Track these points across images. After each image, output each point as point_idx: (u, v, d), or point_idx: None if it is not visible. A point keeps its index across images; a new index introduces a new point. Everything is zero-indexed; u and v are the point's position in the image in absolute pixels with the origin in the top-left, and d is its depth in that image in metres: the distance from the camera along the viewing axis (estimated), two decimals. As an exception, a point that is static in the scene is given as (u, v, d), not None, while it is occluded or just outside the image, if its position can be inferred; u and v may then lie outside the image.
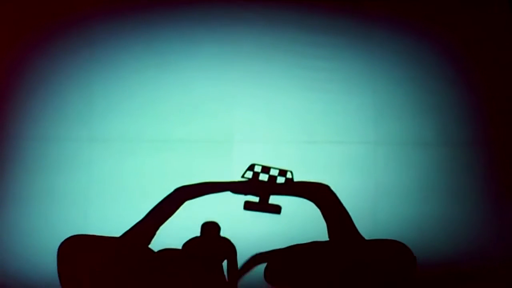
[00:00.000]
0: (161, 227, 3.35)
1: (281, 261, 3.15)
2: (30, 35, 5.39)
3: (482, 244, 5.28)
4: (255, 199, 3.33)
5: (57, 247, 4.89)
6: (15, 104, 5.35)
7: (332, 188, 4.41)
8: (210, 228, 4.37)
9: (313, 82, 5.61)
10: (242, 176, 3.34)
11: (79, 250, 3.29)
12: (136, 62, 5.43)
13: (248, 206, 3.32)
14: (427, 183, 5.48)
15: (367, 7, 5.77)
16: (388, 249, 3.24)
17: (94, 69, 5.41)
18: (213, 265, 4.07)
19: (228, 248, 4.34)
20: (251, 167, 3.31)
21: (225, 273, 3.68)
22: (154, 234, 3.44)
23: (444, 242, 5.30)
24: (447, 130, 5.60)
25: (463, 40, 5.77)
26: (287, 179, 3.34)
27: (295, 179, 3.94)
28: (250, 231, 4.60)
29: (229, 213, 4.48)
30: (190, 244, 4.30)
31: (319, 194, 3.45)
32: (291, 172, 3.38)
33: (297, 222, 5.05)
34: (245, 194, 3.35)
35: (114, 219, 4.03)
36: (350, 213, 4.34)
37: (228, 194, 3.60)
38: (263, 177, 3.29)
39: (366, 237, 4.33)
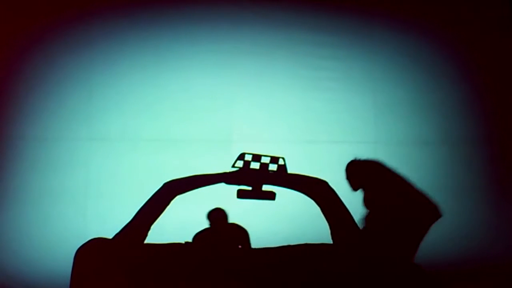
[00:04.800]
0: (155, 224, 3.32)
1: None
2: (28, 35, 5.39)
3: (482, 243, 5.26)
4: (248, 188, 3.29)
5: (56, 246, 4.91)
6: (14, 104, 5.35)
7: (333, 187, 4.39)
8: (218, 217, 4.40)
9: (313, 81, 5.60)
10: (233, 166, 3.30)
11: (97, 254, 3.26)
12: (135, 61, 5.43)
13: (241, 194, 3.27)
14: (427, 182, 5.42)
15: (368, 8, 5.77)
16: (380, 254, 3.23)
17: (93, 69, 5.40)
18: (231, 250, 4.08)
19: (241, 233, 4.35)
20: (241, 156, 3.26)
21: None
22: (147, 232, 3.39)
23: (444, 242, 5.28)
24: (447, 129, 5.59)
25: (464, 40, 5.76)
26: (279, 166, 3.30)
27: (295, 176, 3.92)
28: (249, 230, 4.60)
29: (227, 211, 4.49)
30: (202, 235, 4.30)
31: (317, 189, 3.40)
32: (283, 159, 3.34)
33: (298, 222, 5.05)
34: (238, 184, 3.31)
35: (113, 218, 4.01)
36: (351, 212, 4.32)
37: (221, 190, 3.59)
38: (255, 165, 3.26)
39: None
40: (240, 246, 4.41)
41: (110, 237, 3.69)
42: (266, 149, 4.33)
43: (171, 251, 3.19)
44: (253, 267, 3.04)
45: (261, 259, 3.10)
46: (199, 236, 4.33)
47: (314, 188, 3.35)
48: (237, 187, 3.29)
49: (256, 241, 4.48)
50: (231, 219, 4.54)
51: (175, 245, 3.31)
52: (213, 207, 4.50)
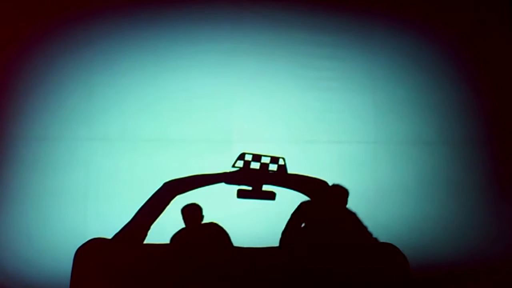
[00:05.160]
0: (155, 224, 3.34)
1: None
2: (28, 35, 5.40)
3: (482, 243, 5.26)
4: (248, 187, 3.31)
5: (56, 246, 4.91)
6: (14, 104, 5.35)
7: (332, 187, 4.40)
8: (192, 216, 4.22)
9: (313, 81, 5.60)
10: (233, 166, 3.31)
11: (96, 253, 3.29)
12: (135, 61, 5.43)
13: (241, 194, 3.30)
14: (427, 182, 5.46)
15: (368, 8, 5.77)
16: (380, 253, 3.24)
17: (93, 69, 5.41)
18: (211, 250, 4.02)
19: (219, 233, 4.26)
20: (241, 156, 3.29)
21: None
22: (146, 232, 3.41)
23: (444, 242, 5.28)
24: (448, 129, 5.58)
25: (464, 39, 5.76)
26: (279, 166, 3.32)
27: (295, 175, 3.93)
28: (248, 231, 4.59)
29: (225, 211, 4.47)
30: (179, 237, 4.22)
31: (316, 189, 3.42)
32: (283, 159, 3.36)
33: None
34: (238, 184, 3.33)
35: (113, 218, 4.02)
36: (350, 212, 4.33)
37: (221, 190, 3.59)
38: (255, 165, 3.28)
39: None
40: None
41: (110, 237, 3.69)
42: (266, 149, 4.35)
43: (171, 251, 3.21)
44: (249, 267, 3.05)
45: (256, 259, 3.11)
46: (177, 236, 4.24)
47: (314, 188, 3.37)
48: (237, 187, 3.31)
49: (257, 241, 4.47)
50: (231, 220, 4.52)
51: (175, 245, 3.33)
52: (188, 203, 4.31)
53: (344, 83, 5.62)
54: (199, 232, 4.31)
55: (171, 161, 5.18)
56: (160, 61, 5.45)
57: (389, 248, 3.38)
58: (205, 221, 4.40)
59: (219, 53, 5.50)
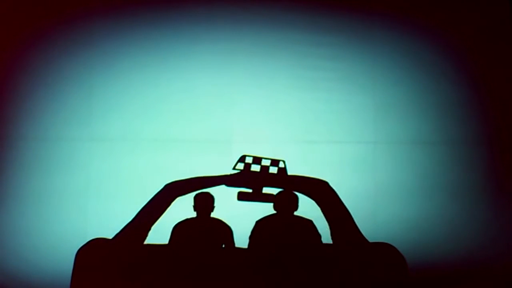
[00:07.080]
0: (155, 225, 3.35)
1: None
2: (29, 36, 5.40)
3: (482, 244, 5.27)
4: (249, 190, 3.33)
5: (56, 247, 4.93)
6: (14, 104, 5.36)
7: (333, 187, 4.41)
8: (204, 204, 3.88)
9: (313, 82, 5.61)
10: (233, 168, 3.33)
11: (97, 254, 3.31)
12: (135, 62, 5.44)
13: (241, 196, 3.32)
14: (427, 182, 5.47)
15: (368, 7, 5.77)
16: (378, 252, 3.25)
17: (94, 69, 5.42)
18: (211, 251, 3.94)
19: (225, 231, 4.12)
20: (242, 159, 3.31)
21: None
22: (147, 233, 3.43)
23: (444, 242, 5.29)
24: (447, 129, 5.59)
25: (464, 39, 5.76)
26: (279, 169, 3.34)
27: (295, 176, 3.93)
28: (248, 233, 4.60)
29: (225, 213, 4.47)
30: (182, 230, 4.06)
31: (317, 190, 3.43)
32: (284, 162, 3.37)
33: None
34: (238, 186, 3.35)
35: (114, 218, 4.04)
36: (350, 212, 4.34)
37: (221, 192, 3.57)
38: (255, 167, 3.30)
39: (366, 236, 4.33)
40: (223, 245, 4.25)
41: (111, 237, 3.71)
42: (266, 149, 4.36)
43: (171, 252, 3.22)
44: (248, 267, 3.06)
45: (254, 258, 3.12)
46: (180, 226, 4.11)
47: (314, 188, 3.38)
48: (237, 189, 3.32)
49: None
50: (231, 221, 4.51)
51: (175, 246, 3.34)
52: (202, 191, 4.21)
53: (344, 83, 5.62)
54: (202, 229, 4.27)
55: (171, 162, 5.20)
56: (160, 61, 5.46)
57: (387, 248, 3.40)
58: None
59: (220, 53, 5.50)
